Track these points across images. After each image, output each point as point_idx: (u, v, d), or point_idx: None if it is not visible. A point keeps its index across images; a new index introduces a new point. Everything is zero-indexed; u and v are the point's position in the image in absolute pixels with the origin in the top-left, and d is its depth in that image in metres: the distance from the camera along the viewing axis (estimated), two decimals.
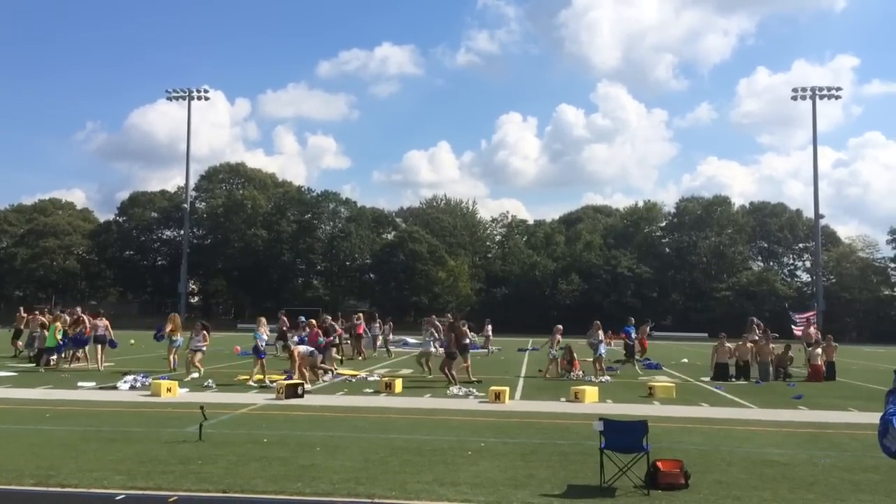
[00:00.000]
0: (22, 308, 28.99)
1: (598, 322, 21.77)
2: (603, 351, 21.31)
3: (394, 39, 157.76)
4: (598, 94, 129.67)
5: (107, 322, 22.60)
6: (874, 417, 13.35)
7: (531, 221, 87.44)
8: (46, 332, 23.43)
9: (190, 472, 8.36)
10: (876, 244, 74.90)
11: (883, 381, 21.27)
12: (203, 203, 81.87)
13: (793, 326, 24.65)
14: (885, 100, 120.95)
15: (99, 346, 21.91)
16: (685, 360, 28.10)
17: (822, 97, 64.39)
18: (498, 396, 15.16)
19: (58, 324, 22.28)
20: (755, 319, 25.78)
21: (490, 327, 35.33)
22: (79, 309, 24.49)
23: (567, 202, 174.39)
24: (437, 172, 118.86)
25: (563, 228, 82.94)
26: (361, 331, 28.31)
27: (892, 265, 73.21)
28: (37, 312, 26.90)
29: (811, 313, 25.86)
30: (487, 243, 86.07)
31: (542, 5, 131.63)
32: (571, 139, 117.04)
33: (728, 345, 21.88)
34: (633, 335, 23.17)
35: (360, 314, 30.38)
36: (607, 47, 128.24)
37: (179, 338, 20.78)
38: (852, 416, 14.34)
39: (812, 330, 25.70)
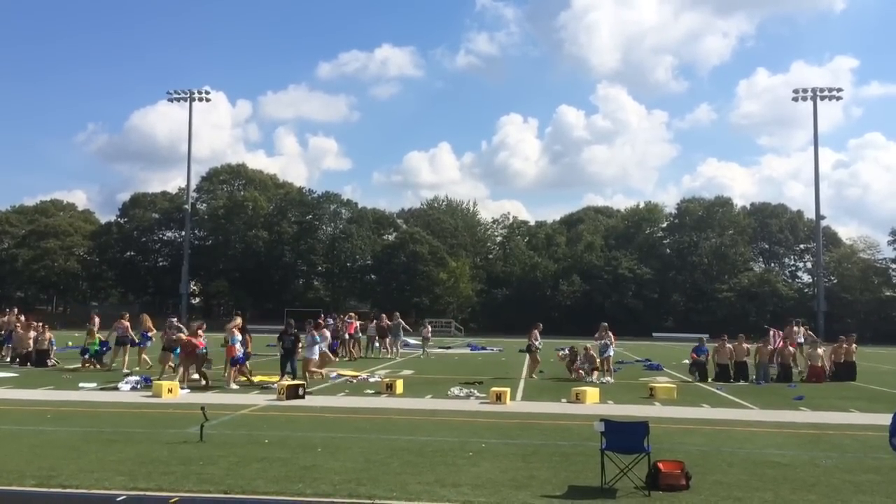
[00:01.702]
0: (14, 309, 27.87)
1: (606, 324, 21.95)
2: (611, 352, 21.41)
3: (393, 41, 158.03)
4: (598, 96, 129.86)
5: (127, 323, 22.58)
6: (876, 419, 13.38)
7: (532, 222, 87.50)
8: (49, 335, 23.49)
9: (191, 473, 8.37)
10: (877, 245, 74.83)
11: (884, 382, 21.28)
12: (204, 204, 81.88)
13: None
14: (884, 101, 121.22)
15: (121, 348, 21.98)
16: (686, 361, 28.04)
17: (822, 98, 64.36)
18: (499, 397, 15.17)
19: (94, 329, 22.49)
20: (798, 321, 25.96)
21: (427, 329, 34.48)
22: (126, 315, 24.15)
23: (568, 203, 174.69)
24: (438, 173, 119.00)
25: (564, 229, 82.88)
26: (353, 331, 28.32)
27: (894, 266, 73.10)
28: (14, 312, 26.54)
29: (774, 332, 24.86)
30: (488, 244, 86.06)
31: (540, 7, 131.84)
32: (572, 140, 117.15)
33: (728, 346, 21.87)
34: (704, 356, 22.22)
35: (353, 314, 30.41)
36: (607, 49, 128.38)
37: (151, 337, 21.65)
38: (854, 417, 14.33)
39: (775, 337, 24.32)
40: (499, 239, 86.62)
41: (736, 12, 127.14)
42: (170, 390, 15.68)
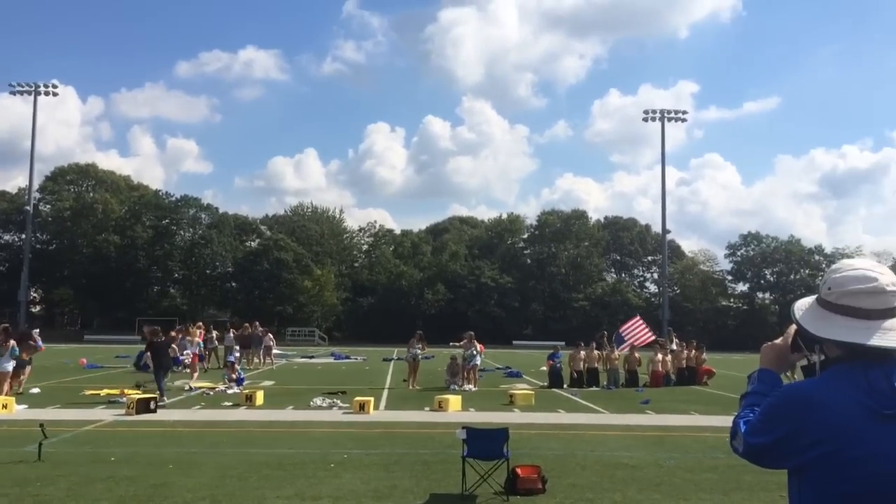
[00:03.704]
0: None
1: (472, 333, 22.31)
2: (478, 360, 21.82)
3: (258, 43, 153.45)
4: (463, 108, 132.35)
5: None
6: (713, 420, 14.37)
7: (398, 231, 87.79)
8: None
9: (27, 495, 7.75)
10: (715, 258, 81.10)
11: (720, 387, 22.91)
12: (48, 206, 76.26)
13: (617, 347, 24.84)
14: (721, 124, 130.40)
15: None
16: (544, 368, 29.20)
17: (669, 119, 68.78)
18: (362, 407, 15.07)
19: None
20: (672, 329, 27.05)
21: (270, 337, 30.84)
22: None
23: (433, 213, 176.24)
24: (304, 180, 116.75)
25: (430, 238, 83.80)
26: (202, 339, 27.43)
27: (730, 278, 79.36)
28: None
29: (634, 321, 26.46)
30: (354, 252, 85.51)
31: (407, 19, 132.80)
32: (438, 151, 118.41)
33: (582, 353, 22.86)
34: (559, 363, 22.85)
35: (200, 324, 29.40)
36: (471, 63, 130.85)
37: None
38: (693, 420, 15.34)
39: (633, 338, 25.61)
40: (365, 247, 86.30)
41: (590, 35, 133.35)
42: (4, 406, 14.44)
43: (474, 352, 21.56)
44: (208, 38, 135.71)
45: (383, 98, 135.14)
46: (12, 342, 16.64)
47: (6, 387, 16.19)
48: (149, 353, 18.11)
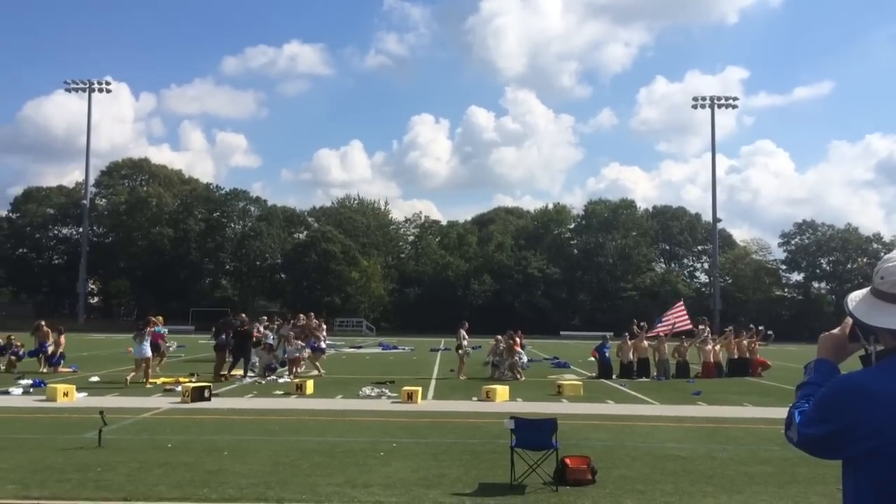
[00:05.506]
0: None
1: (511, 333, 22.21)
2: (524, 359, 22.07)
3: (303, 38, 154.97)
4: (507, 99, 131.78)
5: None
6: (768, 412, 14.10)
7: (444, 222, 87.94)
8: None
9: (88, 480, 8.02)
10: (768, 247, 79.19)
11: (774, 378, 22.46)
12: (104, 200, 78.47)
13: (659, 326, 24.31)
14: (771, 110, 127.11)
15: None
16: (592, 359, 28.96)
17: (719, 106, 67.45)
18: (410, 396, 15.19)
19: None
20: (705, 318, 26.54)
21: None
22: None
23: (478, 203, 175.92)
24: (349, 172, 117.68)
25: (476, 229, 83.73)
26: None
27: (783, 267, 77.49)
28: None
29: (677, 308, 25.83)
30: (400, 244, 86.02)
31: (449, 10, 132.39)
32: (482, 142, 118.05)
33: (630, 343, 22.56)
34: (607, 353, 22.71)
35: (243, 315, 29.84)
36: (514, 54, 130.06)
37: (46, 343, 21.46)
38: (747, 411, 15.07)
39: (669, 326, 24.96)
40: (411, 238, 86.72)
41: (635, 23, 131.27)
42: (65, 394, 14.96)
43: (521, 352, 21.81)
44: (253, 33, 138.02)
45: (426, 89, 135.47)
46: (149, 329, 17.80)
47: (150, 371, 17.75)
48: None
